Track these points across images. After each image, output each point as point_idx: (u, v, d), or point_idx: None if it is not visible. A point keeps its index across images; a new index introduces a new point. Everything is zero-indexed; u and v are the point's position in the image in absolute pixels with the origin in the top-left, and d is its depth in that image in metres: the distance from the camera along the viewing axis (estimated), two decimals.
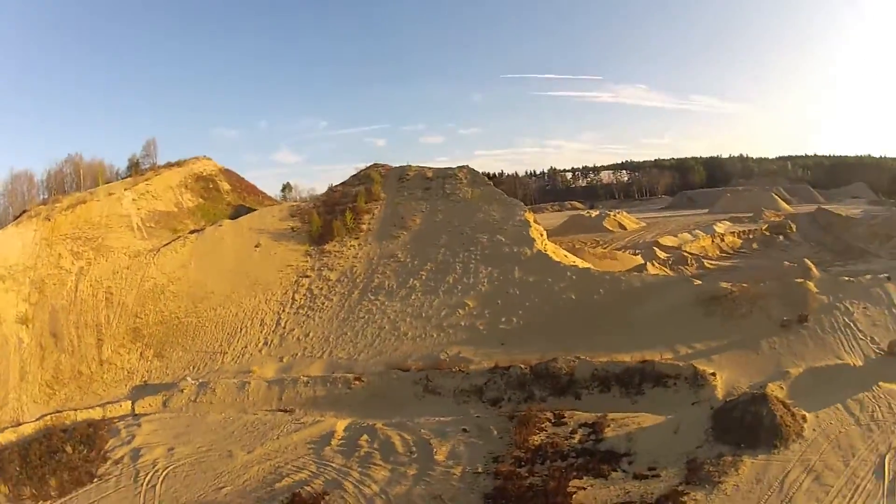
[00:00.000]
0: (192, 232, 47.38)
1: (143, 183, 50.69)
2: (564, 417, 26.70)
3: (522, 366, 30.67)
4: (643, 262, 55.66)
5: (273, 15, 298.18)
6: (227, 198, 58.12)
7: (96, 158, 59.33)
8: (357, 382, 31.96)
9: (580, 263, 45.71)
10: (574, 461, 23.29)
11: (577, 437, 25.05)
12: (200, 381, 33.10)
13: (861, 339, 29.46)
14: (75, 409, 30.90)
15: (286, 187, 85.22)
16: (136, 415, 31.04)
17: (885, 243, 54.82)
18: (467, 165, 56.79)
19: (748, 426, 22.69)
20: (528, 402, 28.87)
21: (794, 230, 69.01)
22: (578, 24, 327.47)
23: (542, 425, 26.17)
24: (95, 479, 25.19)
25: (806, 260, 43.11)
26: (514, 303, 37.85)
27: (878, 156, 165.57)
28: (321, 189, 64.34)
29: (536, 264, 41.18)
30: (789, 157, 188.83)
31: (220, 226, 48.50)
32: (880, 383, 25.26)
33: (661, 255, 60.57)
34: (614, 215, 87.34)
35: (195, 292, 41.05)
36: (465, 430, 26.47)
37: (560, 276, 39.29)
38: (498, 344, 34.37)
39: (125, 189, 48.89)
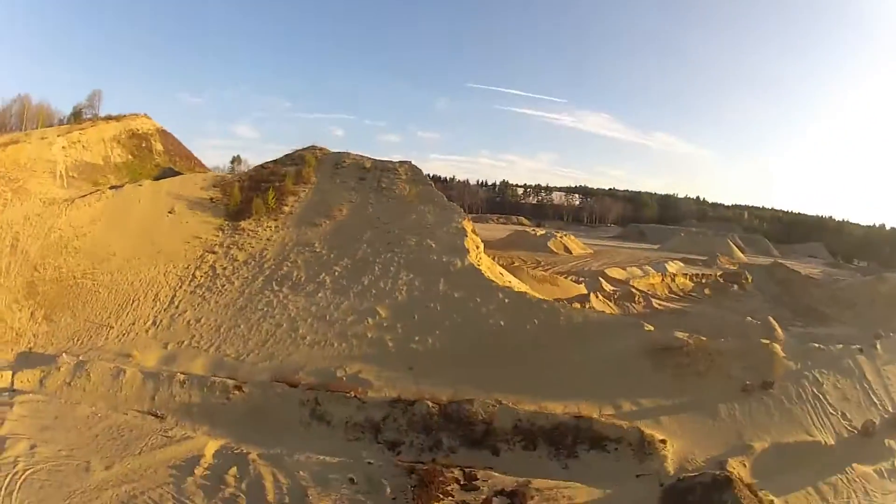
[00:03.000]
0: (111, 188, 46.75)
1: (77, 132, 50.86)
2: (477, 479, 22.06)
3: (430, 403, 25.83)
4: (587, 292, 52.48)
5: None
6: (158, 159, 57.87)
7: (44, 101, 62.54)
8: (237, 392, 27.40)
9: (516, 285, 41.66)
10: None
11: None
12: (80, 358, 30.56)
13: (832, 414, 27.24)
14: None
15: (235, 160, 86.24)
16: (13, 390, 28.25)
17: (847, 310, 54.09)
18: (410, 161, 53.96)
19: None
20: (434, 450, 24.19)
21: (750, 281, 67.81)
22: (549, 45, 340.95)
23: (449, 487, 21.43)
24: None
25: (770, 318, 40.77)
26: (433, 320, 33.34)
27: (839, 219, 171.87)
28: None
29: (465, 279, 36.94)
30: (746, 207, 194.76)
31: (140, 185, 47.23)
32: (854, 465, 23.86)
33: (607, 287, 57.67)
34: (561, 237, 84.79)
35: (97, 251, 39.16)
36: (352, 481, 21.61)
37: (490, 297, 35.02)
38: (406, 368, 29.72)
39: (58, 135, 49.05)
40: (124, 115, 58.33)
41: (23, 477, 21.57)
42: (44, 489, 21.17)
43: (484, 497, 21.02)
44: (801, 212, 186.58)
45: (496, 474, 22.51)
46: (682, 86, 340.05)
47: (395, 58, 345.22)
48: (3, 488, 21.04)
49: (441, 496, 20.91)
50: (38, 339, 32.58)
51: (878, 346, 32.49)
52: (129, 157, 54.55)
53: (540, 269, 63.53)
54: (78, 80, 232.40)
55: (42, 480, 21.57)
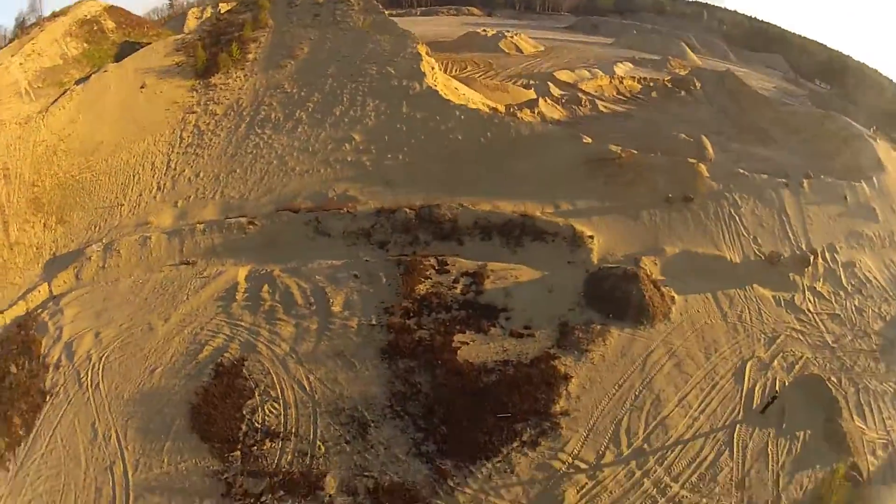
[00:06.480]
0: (77, 83, 48.26)
1: (28, 44, 50.70)
2: (448, 265, 29.88)
3: (408, 210, 32.87)
4: (536, 97, 57.22)
5: None
6: (112, 37, 58.18)
7: None
8: (251, 227, 33.76)
9: (471, 101, 46.70)
10: (457, 314, 26.89)
11: (460, 287, 28.51)
12: (105, 242, 34.54)
13: (744, 236, 32.03)
14: (1, 312, 31.51)
15: None
16: (55, 297, 31.85)
17: (791, 135, 57.23)
18: None
19: (617, 300, 26.98)
20: (414, 245, 31.65)
21: (698, 88, 71.95)
22: None
23: (427, 273, 29.27)
24: (48, 397, 26.36)
25: (703, 137, 45.03)
26: (401, 140, 39.08)
27: (803, 35, 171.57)
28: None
29: (425, 101, 42.24)
30: (706, 5, 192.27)
31: (106, 71, 49.17)
32: (754, 285, 28.70)
33: (556, 92, 62.34)
34: (511, 37, 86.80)
35: (85, 147, 41.83)
36: (356, 277, 29.31)
37: (448, 116, 40.53)
38: (384, 182, 36.03)
39: (11, 55, 48.88)
40: (69, 7, 57.20)
41: (102, 366, 27.07)
42: (123, 364, 27.00)
43: (453, 277, 29.05)
44: (767, 20, 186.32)
45: (462, 260, 30.38)
46: None
47: None
48: (90, 385, 26.21)
49: (422, 279, 28.83)
50: (59, 242, 35.77)
51: (806, 185, 35.65)
52: (85, 45, 54.54)
53: (492, 72, 67.31)
54: None
55: (118, 359, 27.31)
